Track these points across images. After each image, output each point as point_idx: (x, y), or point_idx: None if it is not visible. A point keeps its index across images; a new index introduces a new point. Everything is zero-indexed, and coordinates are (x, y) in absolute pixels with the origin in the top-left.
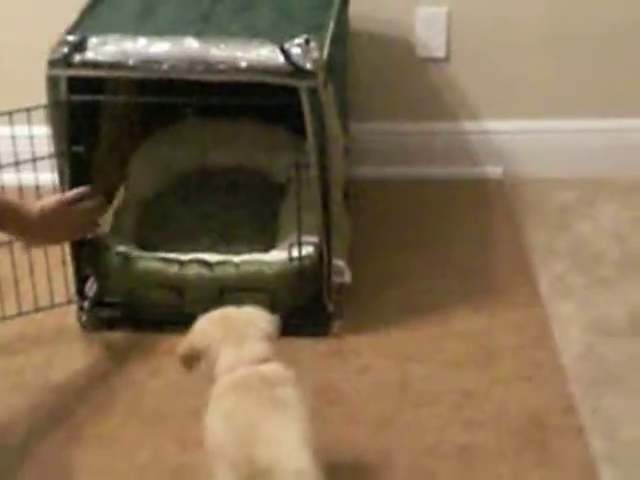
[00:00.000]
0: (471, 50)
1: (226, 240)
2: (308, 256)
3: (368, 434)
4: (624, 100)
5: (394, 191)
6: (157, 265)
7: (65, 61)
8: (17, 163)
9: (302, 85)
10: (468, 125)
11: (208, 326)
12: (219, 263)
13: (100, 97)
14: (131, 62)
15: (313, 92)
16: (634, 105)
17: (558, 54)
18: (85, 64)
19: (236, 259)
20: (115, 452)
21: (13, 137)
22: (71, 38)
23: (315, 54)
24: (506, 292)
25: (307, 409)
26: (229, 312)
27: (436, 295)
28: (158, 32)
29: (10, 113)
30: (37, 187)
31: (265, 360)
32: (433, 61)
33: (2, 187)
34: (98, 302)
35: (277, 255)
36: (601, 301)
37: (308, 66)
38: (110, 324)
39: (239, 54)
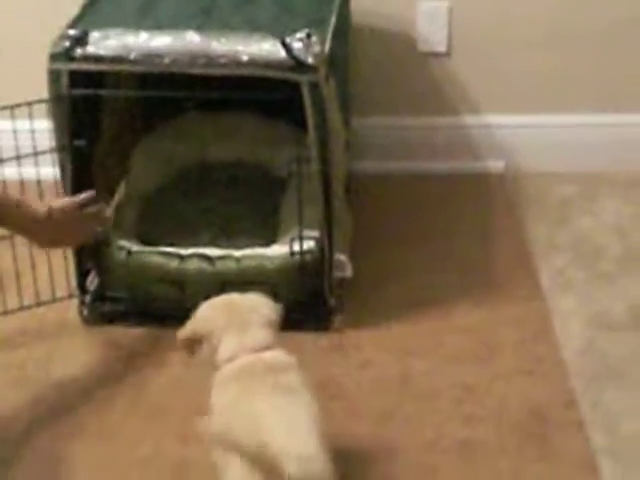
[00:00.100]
0: (472, 45)
1: (227, 234)
2: (309, 250)
3: (369, 428)
4: (625, 95)
5: (395, 185)
6: (158, 259)
7: (66, 55)
8: (18, 157)
9: (303, 79)
10: (469, 120)
11: (211, 312)
12: (220, 257)
13: (101, 91)
14: (132, 56)
15: (314, 86)
16: (635, 100)
17: (559, 49)
18: (86, 58)
19: (237, 253)
20: (116, 446)
21: (15, 131)
22: (72, 32)
23: (316, 48)
24: (507, 286)
25: (311, 395)
26: (232, 299)
27: (437, 289)
28: (159, 26)
29: (12, 107)
30: (38, 181)
31: (267, 347)
32: (434, 56)
33: (4, 181)
34: (99, 296)
35: (278, 249)
36: (602, 296)
37: (309, 60)
38: (111, 318)
39: (240, 48)
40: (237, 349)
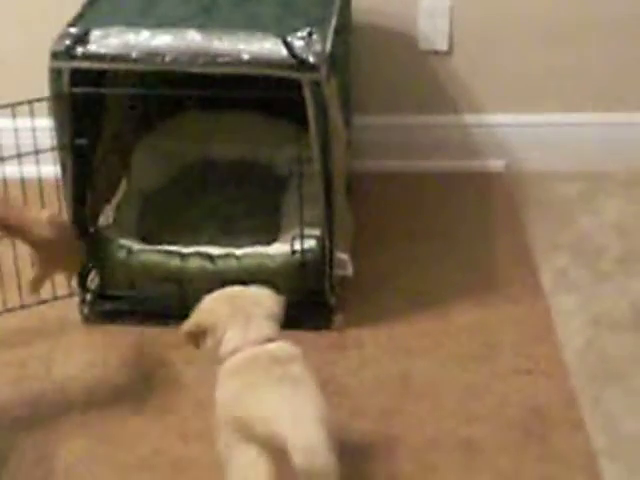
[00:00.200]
0: (474, 43)
1: (228, 233)
2: (310, 249)
3: (370, 427)
4: (627, 93)
5: (396, 184)
6: (159, 258)
7: (68, 53)
8: (19, 155)
9: (305, 78)
10: (470, 118)
11: (214, 304)
12: (221, 256)
13: (103, 90)
14: (134, 55)
15: (316, 85)
16: (637, 98)
17: (560, 48)
18: (88, 56)
19: (238, 252)
20: (117, 445)
21: (16, 129)
22: (74, 30)
23: (318, 47)
24: (508, 286)
25: (317, 385)
26: (235, 291)
27: (438, 288)
28: (160, 24)
29: (13, 105)
30: (39, 180)
31: (271, 339)
32: (436, 54)
33: (4, 180)
34: (100, 295)
35: (279, 248)
36: (603, 295)
37: (311, 59)
38: (112, 317)
39: (242, 47)
40: (241, 342)
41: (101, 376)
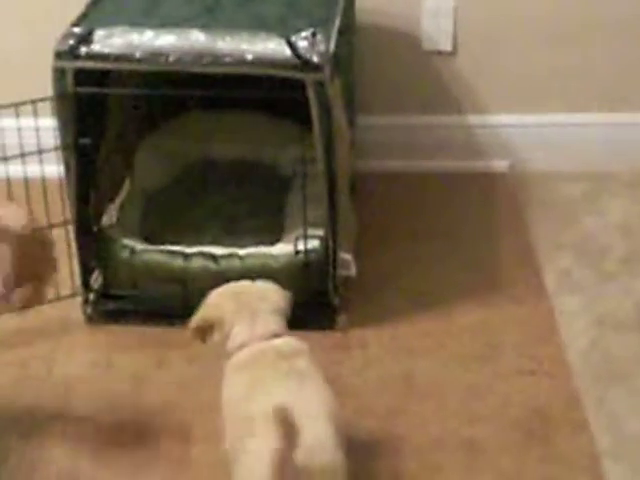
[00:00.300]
0: (478, 44)
1: (231, 233)
2: (314, 249)
3: (373, 426)
4: (631, 94)
5: (400, 184)
6: (162, 258)
7: (71, 53)
8: (23, 155)
9: (309, 78)
10: (474, 119)
11: (221, 299)
12: (224, 256)
13: (106, 90)
14: (137, 54)
15: (320, 85)
16: None
17: (564, 48)
18: (91, 56)
19: (241, 252)
20: (118, 445)
21: (19, 129)
22: (77, 30)
23: (322, 47)
24: (511, 286)
25: (325, 380)
26: (242, 286)
27: (441, 289)
28: (164, 24)
29: (16, 105)
30: (43, 179)
31: (277, 335)
32: (439, 54)
33: (8, 179)
34: (103, 295)
35: (283, 248)
36: (607, 295)
37: (315, 59)
38: (115, 317)
39: (245, 47)
40: (248, 337)
41: (103, 376)
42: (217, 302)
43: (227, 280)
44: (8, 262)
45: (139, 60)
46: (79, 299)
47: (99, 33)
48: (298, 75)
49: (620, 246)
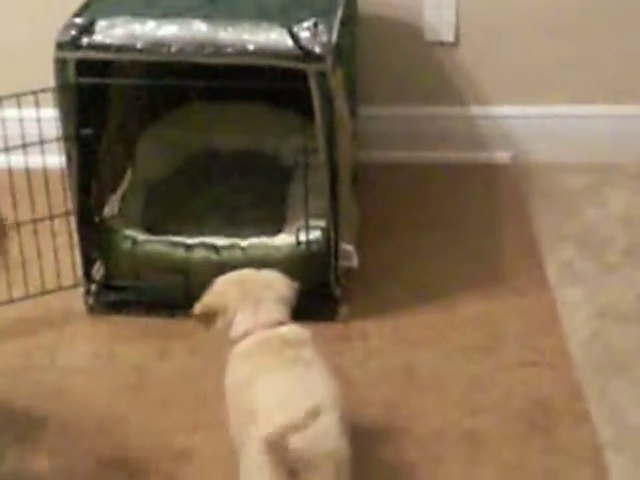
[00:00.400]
0: (480, 35)
1: (233, 224)
2: (315, 240)
3: (375, 418)
4: (635, 85)
5: (402, 175)
6: (164, 249)
7: (73, 44)
8: (25, 145)
9: (311, 69)
10: (477, 110)
11: (225, 287)
12: (226, 247)
13: (108, 80)
14: (139, 45)
15: (322, 76)
16: None
17: (568, 39)
18: (93, 47)
19: (243, 243)
20: (120, 436)
21: (21, 120)
22: (79, 21)
23: (324, 38)
24: (514, 277)
25: (329, 368)
26: (246, 274)
27: (443, 280)
28: (166, 15)
29: (18, 95)
30: (45, 170)
31: (281, 323)
32: (442, 45)
33: (10, 169)
34: (105, 285)
35: (284, 239)
36: (609, 287)
37: (317, 50)
38: (117, 307)
39: (247, 37)
40: (251, 325)
41: (105, 366)
42: (222, 289)
43: (229, 271)
44: None
45: (141, 50)
46: (81, 290)
47: (101, 23)
48: (300, 66)
49: (622, 238)
